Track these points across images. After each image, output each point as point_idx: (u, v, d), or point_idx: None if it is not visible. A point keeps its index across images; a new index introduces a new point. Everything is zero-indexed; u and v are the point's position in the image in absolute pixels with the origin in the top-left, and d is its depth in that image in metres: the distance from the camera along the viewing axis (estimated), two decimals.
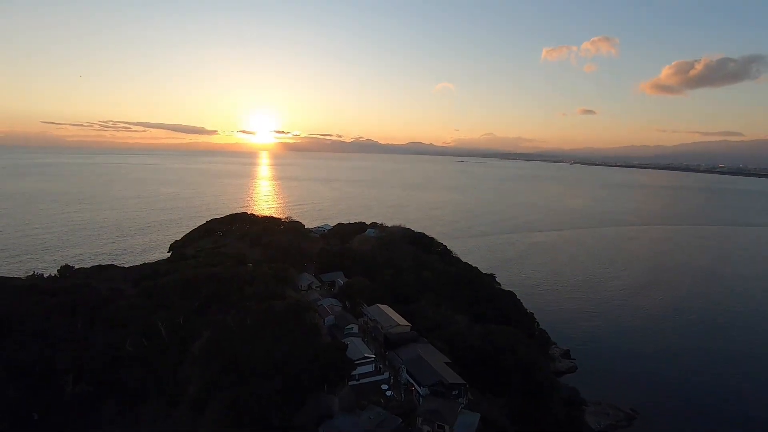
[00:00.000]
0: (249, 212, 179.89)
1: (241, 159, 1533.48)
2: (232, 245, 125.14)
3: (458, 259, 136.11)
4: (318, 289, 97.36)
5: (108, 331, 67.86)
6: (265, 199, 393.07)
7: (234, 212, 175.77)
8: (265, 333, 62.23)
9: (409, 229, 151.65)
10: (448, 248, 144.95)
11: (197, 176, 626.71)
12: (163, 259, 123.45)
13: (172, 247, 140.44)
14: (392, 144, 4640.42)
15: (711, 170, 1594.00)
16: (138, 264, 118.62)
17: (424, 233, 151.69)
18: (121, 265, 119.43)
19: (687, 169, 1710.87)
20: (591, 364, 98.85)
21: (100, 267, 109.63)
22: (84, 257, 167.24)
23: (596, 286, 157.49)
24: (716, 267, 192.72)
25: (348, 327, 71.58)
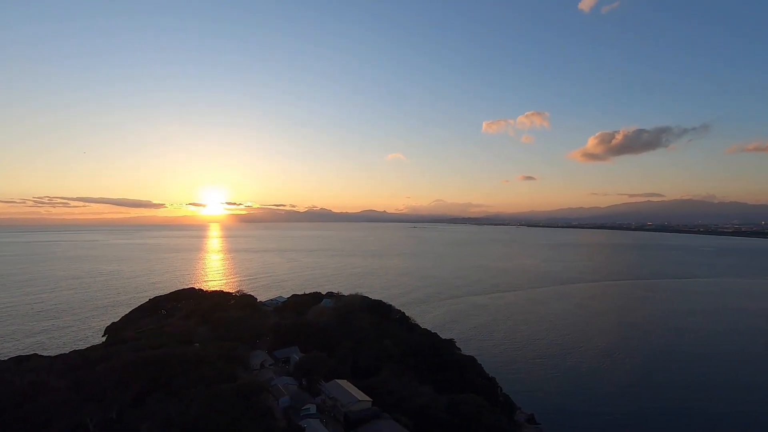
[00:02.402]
0: (197, 288, 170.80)
1: (191, 232, 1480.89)
2: (178, 324, 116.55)
3: (417, 326, 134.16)
4: (271, 367, 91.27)
5: None
6: (215, 273, 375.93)
7: (181, 288, 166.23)
8: (211, 422, 56.48)
9: (366, 297, 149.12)
10: (406, 315, 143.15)
11: (141, 252, 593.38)
12: (98, 344, 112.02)
13: (108, 330, 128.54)
14: (346, 212, 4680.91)
15: (641, 228, 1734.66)
16: (68, 352, 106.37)
17: (381, 300, 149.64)
18: (48, 354, 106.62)
19: (620, 227, 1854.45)
20: (557, 427, 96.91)
21: (20, 358, 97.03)
22: (3, 349, 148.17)
23: (556, 346, 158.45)
24: (672, 320, 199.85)
25: (305, 408, 66.76)
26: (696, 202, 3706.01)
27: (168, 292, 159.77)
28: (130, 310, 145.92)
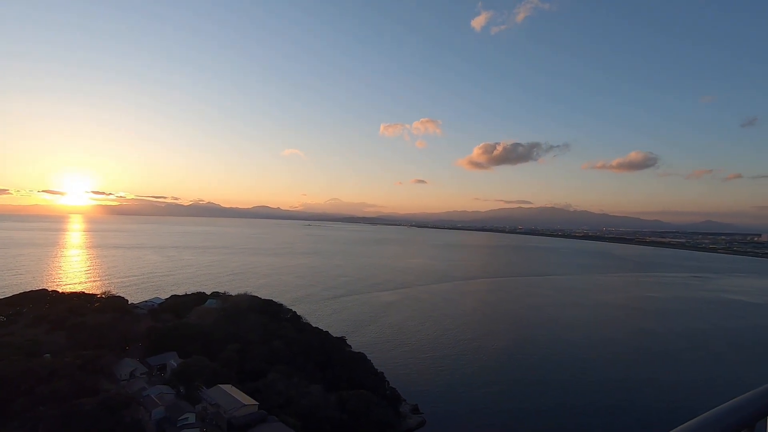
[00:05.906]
0: (50, 290, 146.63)
1: (44, 224, 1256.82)
2: (22, 333, 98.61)
3: (308, 325, 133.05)
4: (144, 376, 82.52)
5: None
6: (74, 272, 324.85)
7: (27, 290, 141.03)
8: None
9: (256, 297, 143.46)
10: (298, 314, 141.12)
11: None
12: None
13: None
14: (237, 207, 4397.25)
15: (513, 231, 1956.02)
16: None
17: (272, 300, 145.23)
18: None
19: (496, 230, 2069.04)
20: (439, 416, 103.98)
21: None
22: None
23: (440, 340, 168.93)
24: (550, 313, 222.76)
25: (182, 418, 61.85)
26: (556, 210, 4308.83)
27: (8, 295, 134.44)
28: None
